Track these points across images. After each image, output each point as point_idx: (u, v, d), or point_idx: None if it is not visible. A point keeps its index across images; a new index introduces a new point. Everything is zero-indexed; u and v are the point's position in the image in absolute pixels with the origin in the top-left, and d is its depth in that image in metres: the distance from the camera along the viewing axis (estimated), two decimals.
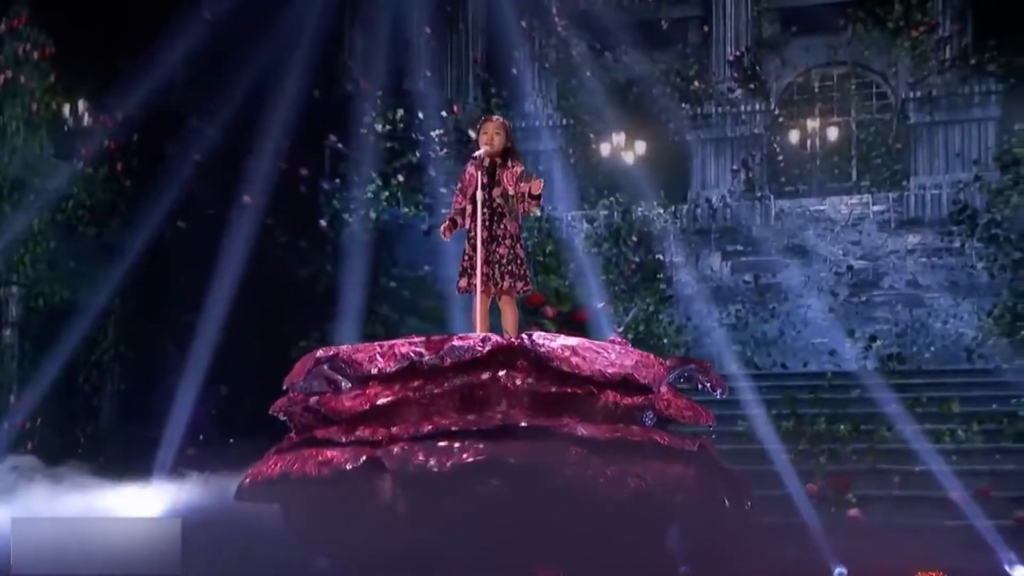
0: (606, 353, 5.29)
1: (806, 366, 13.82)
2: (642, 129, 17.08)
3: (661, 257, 14.75)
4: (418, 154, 14.57)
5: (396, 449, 5.02)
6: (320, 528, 5.27)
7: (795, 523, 8.29)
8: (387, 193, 13.33)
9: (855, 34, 17.69)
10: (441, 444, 4.95)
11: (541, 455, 4.92)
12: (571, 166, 17.92)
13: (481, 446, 4.92)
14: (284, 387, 5.80)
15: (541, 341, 5.22)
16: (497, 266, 5.70)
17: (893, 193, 16.48)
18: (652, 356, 5.50)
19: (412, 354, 5.22)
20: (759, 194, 16.74)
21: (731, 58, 18.09)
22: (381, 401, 5.26)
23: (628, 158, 16.90)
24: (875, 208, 16.27)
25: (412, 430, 5.06)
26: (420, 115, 15.10)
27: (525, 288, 5.82)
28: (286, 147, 12.48)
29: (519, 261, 5.77)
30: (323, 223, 12.21)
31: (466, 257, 5.81)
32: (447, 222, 6.04)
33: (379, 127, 14.24)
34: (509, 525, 4.93)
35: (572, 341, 5.34)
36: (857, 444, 10.85)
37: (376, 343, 5.49)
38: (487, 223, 5.68)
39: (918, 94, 16.84)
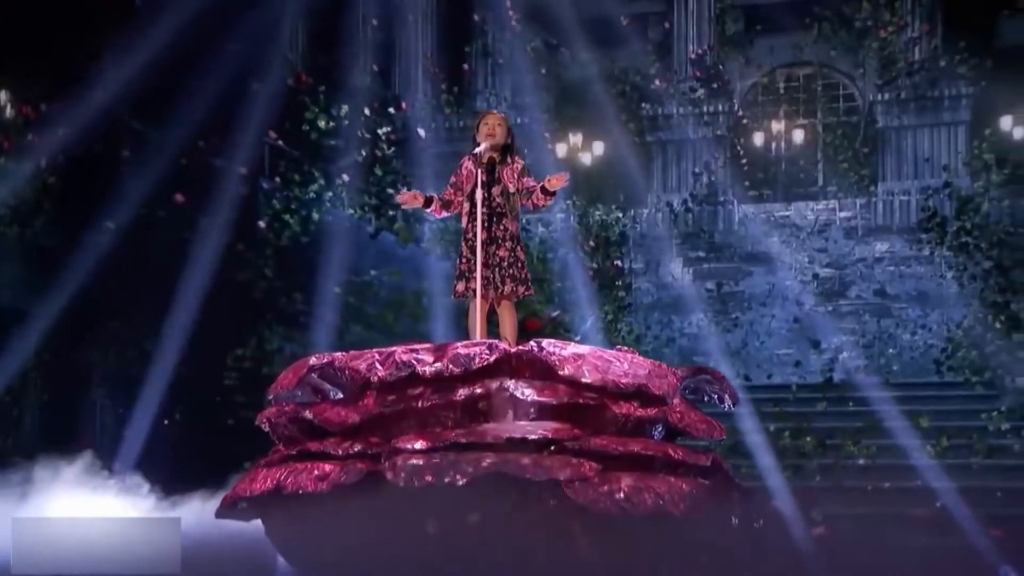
0: (618, 362, 5.23)
1: (770, 378, 13.98)
2: (600, 129, 17.19)
3: (620, 263, 14.84)
4: (364, 153, 14.51)
5: (399, 462, 4.89)
6: (313, 545, 5.19)
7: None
8: (331, 193, 13.25)
9: (821, 33, 17.97)
10: (447, 457, 4.87)
11: (554, 469, 4.85)
12: (525, 167, 17.96)
13: (489, 459, 4.85)
14: (269, 396, 5.70)
15: (551, 349, 5.13)
16: (497, 269, 5.62)
17: (860, 199, 16.74)
18: (664, 366, 5.44)
19: (414, 362, 5.11)
20: (722, 199, 16.92)
21: (693, 56, 18.29)
22: (380, 411, 5.18)
23: (585, 159, 17.01)
24: (842, 214, 16.52)
25: (415, 442, 4.98)
26: (366, 111, 15.03)
27: (527, 293, 5.74)
28: (222, 144, 12.37)
29: (520, 264, 5.69)
30: (262, 224, 12.11)
31: (463, 260, 5.71)
32: (423, 196, 5.89)
33: (322, 124, 14.15)
34: (520, 542, 4.86)
35: (583, 349, 5.26)
36: (823, 460, 10.99)
37: (374, 350, 5.37)
38: (485, 224, 5.60)
39: (886, 96, 17.14)
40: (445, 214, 5.86)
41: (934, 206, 15.18)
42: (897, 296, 15.09)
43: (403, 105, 16.19)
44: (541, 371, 5.11)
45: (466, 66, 18.72)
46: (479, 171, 5.64)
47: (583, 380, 5.06)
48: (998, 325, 13.10)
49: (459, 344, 5.22)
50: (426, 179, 15.54)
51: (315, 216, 12.41)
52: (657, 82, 18.25)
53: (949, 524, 9.52)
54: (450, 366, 5.06)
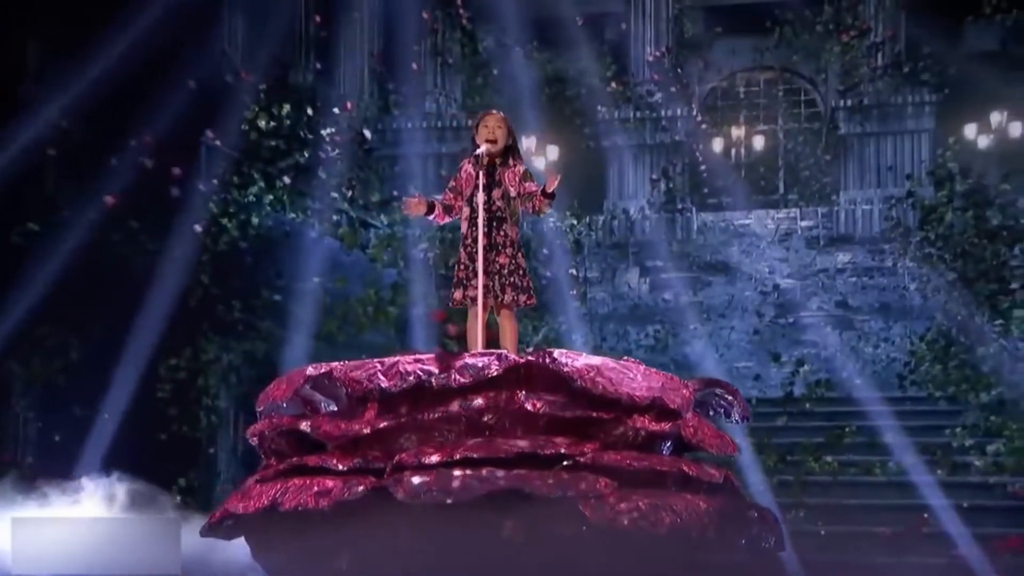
0: (631, 374, 5.19)
1: None
2: (554, 133, 17.27)
3: (574, 272, 14.90)
4: (307, 154, 14.44)
5: (405, 478, 4.85)
6: (310, 565, 5.11)
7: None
8: (271, 197, 13.16)
9: (783, 37, 18.23)
10: (455, 473, 4.83)
11: (568, 486, 4.82)
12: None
13: (500, 475, 4.82)
14: (259, 408, 5.63)
15: (564, 360, 5.07)
16: (497, 277, 5.60)
17: (822, 208, 16.99)
18: (677, 378, 5.45)
19: (420, 372, 5.04)
20: (680, 206, 17.08)
21: (651, 59, 18.47)
22: (383, 424, 5.11)
23: (539, 164, 17.06)
24: (803, 223, 16.76)
25: (421, 457, 4.94)
26: (309, 111, 14.98)
27: (528, 302, 5.71)
28: (156, 143, 12.26)
29: (521, 271, 5.67)
30: (198, 228, 11.97)
31: (462, 266, 5.69)
32: (426, 201, 5.86)
33: (263, 123, 14.07)
34: (533, 563, 4.84)
35: (595, 360, 5.21)
36: (783, 476, 11.10)
37: (375, 360, 5.30)
38: (485, 229, 5.59)
39: (849, 103, 17.42)
40: (447, 219, 5.84)
41: (897, 216, 15.44)
42: (859, 308, 15.31)
43: (348, 105, 16.15)
44: (553, 382, 5.07)
45: (415, 66, 18.72)
46: (479, 173, 5.61)
47: (597, 392, 5.04)
48: (962, 339, 13.32)
49: (467, 354, 5.17)
50: (372, 183, 15.55)
51: (254, 220, 12.31)
52: (613, 85, 18.40)
53: (912, 543, 9.65)
54: (458, 377, 5.03)
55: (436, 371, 5.05)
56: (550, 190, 5.61)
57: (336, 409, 5.40)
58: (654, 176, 17.54)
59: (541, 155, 17.02)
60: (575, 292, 14.64)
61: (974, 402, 12.42)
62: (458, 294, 5.72)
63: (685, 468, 5.15)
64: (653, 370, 5.38)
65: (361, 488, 4.91)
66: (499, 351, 5.17)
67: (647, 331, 14.93)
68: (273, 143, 14.12)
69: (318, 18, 18.01)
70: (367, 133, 15.81)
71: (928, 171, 15.68)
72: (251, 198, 12.67)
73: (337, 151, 14.89)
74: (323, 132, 14.82)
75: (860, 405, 12.91)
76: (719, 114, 18.75)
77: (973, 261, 13.76)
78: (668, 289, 15.93)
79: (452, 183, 5.84)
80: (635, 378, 5.17)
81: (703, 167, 17.81)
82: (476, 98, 18.50)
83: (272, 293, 11.78)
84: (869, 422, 12.25)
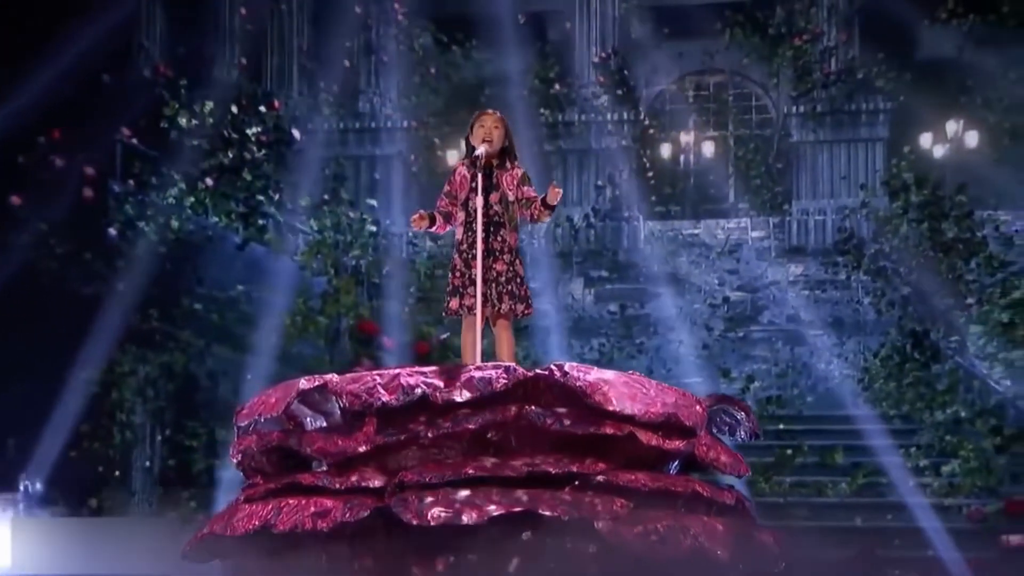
0: (644, 389, 5.14)
1: None
2: None
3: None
4: (231, 155, 14.35)
5: (411, 498, 4.79)
6: None
7: None
8: (193, 199, 13.06)
9: (733, 39, 18.48)
10: (462, 493, 4.79)
11: (584, 507, 4.79)
12: (413, 175, 18.00)
13: (512, 496, 4.78)
14: (242, 423, 5.54)
15: (576, 373, 5.02)
16: (494, 285, 5.58)
17: (774, 218, 17.23)
18: (690, 393, 5.41)
19: (423, 386, 4.97)
20: (627, 214, 17.20)
21: (596, 60, 18.60)
22: (385, 441, 5.01)
23: None
24: (754, 234, 16.96)
25: (425, 476, 4.88)
26: (234, 109, 14.89)
27: (526, 311, 5.71)
28: (66, 140, 12.11)
29: (519, 280, 5.66)
30: (112, 232, 11.84)
31: (457, 274, 5.66)
32: (427, 214, 5.86)
33: (183, 121, 13.96)
34: None
35: (607, 374, 5.16)
36: None
37: (374, 372, 5.21)
38: (483, 234, 5.58)
39: (801, 109, 17.69)
40: (448, 228, 5.84)
41: (851, 227, 15.68)
42: (812, 322, 15.51)
43: (276, 103, 16.07)
44: (564, 397, 5.03)
45: (347, 63, 18.67)
46: (478, 176, 5.60)
47: (611, 408, 5.00)
48: (917, 355, 13.55)
49: (472, 367, 5.12)
50: (300, 186, 15.45)
51: (174, 224, 12.20)
52: (557, 86, 18.50)
53: (866, 566, 9.78)
54: (464, 391, 4.98)
55: (440, 385, 5.00)
56: (552, 203, 5.65)
57: (326, 424, 5.33)
58: (599, 183, 17.65)
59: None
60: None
61: (929, 421, 12.64)
62: (454, 303, 5.70)
63: (699, 489, 5.16)
64: (665, 385, 5.37)
65: (364, 508, 4.86)
66: (506, 364, 5.12)
67: (591, 344, 15.00)
68: (195, 142, 14.02)
69: (243, 10, 17.91)
70: (296, 133, 15.74)
71: (883, 181, 15.94)
72: (171, 200, 12.57)
73: (264, 152, 14.82)
74: (248, 131, 14.75)
75: (812, 423, 13.07)
76: (667, 119, 18.94)
77: (928, 275, 13.99)
78: (614, 301, 16.02)
79: (447, 188, 5.84)
80: (648, 393, 5.14)
81: (650, 174, 17.97)
82: (412, 98, 18.50)
83: (192, 301, 11.68)
84: (821, 441, 12.40)
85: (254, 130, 14.75)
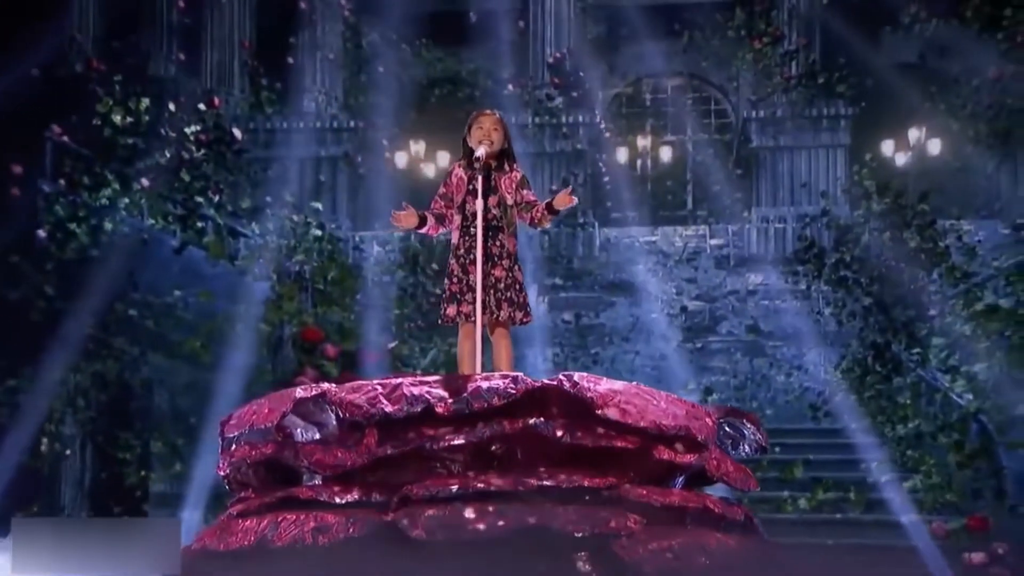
0: (655, 400, 5.15)
1: None
2: (445, 138, 17.25)
3: None
4: (168, 154, 14.22)
5: (416, 513, 4.79)
6: None
7: None
8: (127, 200, 12.91)
9: (692, 41, 18.64)
10: (471, 508, 4.79)
11: (597, 523, 4.79)
12: (360, 177, 17.96)
13: (521, 510, 4.77)
14: (227, 435, 5.46)
15: (586, 384, 5.01)
16: (493, 291, 5.60)
17: (733, 225, 17.35)
18: (699, 406, 5.45)
19: (427, 396, 4.94)
20: (582, 220, 17.26)
21: (550, 60, 18.69)
22: (388, 453, 4.97)
23: (428, 171, 17.11)
24: (713, 241, 17.09)
25: (431, 490, 4.87)
26: (171, 106, 14.78)
27: (525, 319, 5.72)
28: None
29: (518, 286, 5.69)
30: (42, 234, 11.69)
31: (454, 280, 5.67)
32: (418, 214, 5.81)
33: (118, 119, 13.80)
34: None
35: (617, 385, 5.16)
36: None
37: (375, 381, 5.16)
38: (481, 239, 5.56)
39: (761, 114, 17.88)
40: (441, 230, 5.80)
41: (811, 236, 15.81)
42: (771, 333, 15.64)
43: (215, 101, 15.95)
44: (573, 409, 5.03)
45: (291, 60, 18.61)
46: (478, 178, 5.58)
47: (624, 421, 5.00)
48: (879, 368, 13.68)
49: (478, 377, 5.10)
50: (242, 187, 15.36)
51: (107, 226, 12.07)
52: (510, 87, 18.55)
53: None
54: (471, 402, 4.96)
55: (445, 395, 4.98)
56: (560, 207, 5.66)
57: (319, 436, 5.29)
58: (554, 187, 17.67)
59: (431, 162, 17.06)
60: None
61: (890, 435, 12.77)
62: (451, 310, 5.70)
63: (711, 505, 5.18)
64: (675, 396, 5.39)
65: (368, 524, 4.84)
66: (513, 374, 5.11)
67: (545, 355, 15.02)
68: (130, 141, 13.86)
69: (181, 3, 17.80)
70: (237, 132, 15.60)
71: (844, 189, 16.12)
72: (104, 201, 12.42)
73: (203, 151, 14.69)
74: (187, 130, 14.61)
75: (771, 437, 13.14)
76: (624, 122, 19.06)
77: (890, 285, 14.12)
78: (568, 310, 16.07)
79: (442, 189, 5.83)
80: (659, 405, 5.15)
81: (606, 179, 18.06)
82: (359, 97, 18.47)
83: (127, 307, 11.55)
84: (780, 456, 12.50)
85: (193, 129, 14.61)
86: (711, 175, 18.47)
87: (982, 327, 12.85)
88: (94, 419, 11.17)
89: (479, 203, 5.58)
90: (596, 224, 17.35)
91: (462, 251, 5.68)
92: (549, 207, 5.67)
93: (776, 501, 11.86)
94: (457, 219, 5.70)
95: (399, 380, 5.11)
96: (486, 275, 5.59)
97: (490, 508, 4.79)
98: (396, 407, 4.97)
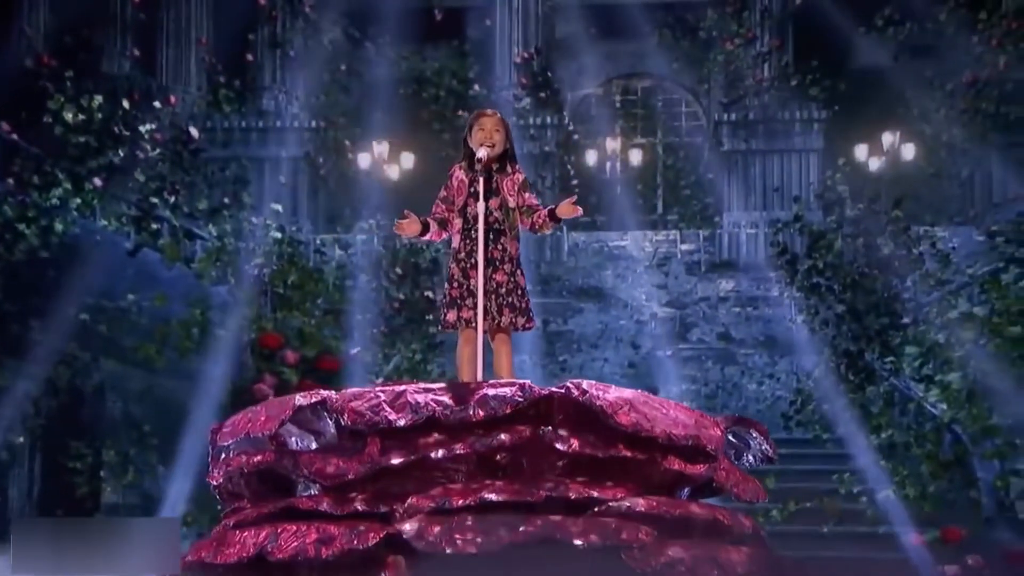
0: (664, 409, 5.18)
1: None
2: (410, 139, 17.31)
3: (431, 295, 14.90)
4: (122, 153, 14.15)
5: (420, 525, 4.77)
6: None
7: None
8: (79, 200, 12.81)
9: (662, 42, 18.73)
10: (478, 519, 4.77)
11: (608, 535, 4.78)
12: (321, 178, 17.92)
13: (529, 522, 4.76)
14: (220, 443, 5.40)
15: (595, 392, 5.01)
16: (494, 296, 5.62)
17: (704, 230, 17.46)
18: (706, 415, 5.45)
19: (433, 404, 4.93)
20: None
21: (518, 60, 18.71)
22: (392, 462, 4.94)
23: (392, 172, 17.08)
24: (683, 247, 17.16)
25: (437, 500, 4.85)
26: (125, 104, 14.71)
27: (527, 325, 5.74)
28: None
29: (520, 291, 5.71)
30: None
31: (455, 284, 5.68)
32: (421, 220, 5.80)
33: (69, 116, 13.73)
34: None
35: (627, 393, 5.17)
36: None
37: (376, 388, 5.10)
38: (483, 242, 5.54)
39: (733, 117, 17.97)
40: (444, 235, 5.80)
41: (784, 242, 15.88)
42: (743, 341, 15.72)
43: (172, 99, 15.93)
44: (582, 418, 5.03)
45: (250, 57, 18.55)
46: (480, 180, 5.59)
47: (634, 430, 5.01)
48: (851, 377, 13.77)
49: (484, 384, 5.10)
50: (199, 188, 15.29)
51: (58, 227, 11.95)
52: (476, 87, 18.57)
53: None
54: (477, 410, 4.96)
55: (451, 403, 4.98)
56: (564, 216, 5.70)
57: (315, 445, 5.25)
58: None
59: (395, 163, 17.04)
60: (431, 317, 14.66)
61: (863, 445, 12.84)
62: (451, 315, 5.69)
63: (719, 516, 5.17)
64: (683, 405, 5.43)
65: (372, 535, 4.80)
66: (520, 381, 5.11)
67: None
68: (82, 139, 13.81)
69: None
70: (193, 131, 15.57)
71: (816, 194, 16.22)
72: (55, 201, 12.32)
73: (158, 151, 14.64)
74: (141, 128, 14.56)
75: None
76: (593, 124, 19.10)
77: (863, 293, 14.22)
78: (535, 316, 16.07)
79: (443, 193, 5.82)
80: (668, 414, 5.16)
81: (575, 182, 18.09)
82: (320, 96, 18.44)
83: (78, 311, 11.44)
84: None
85: (148, 127, 14.55)
86: (682, 179, 18.57)
87: (956, 335, 12.97)
88: (44, 427, 11.07)
89: (481, 205, 5.60)
90: (564, 228, 17.38)
91: (463, 255, 5.68)
92: (552, 214, 5.70)
93: (747, 512, 11.89)
94: (458, 222, 5.70)
95: (402, 388, 5.10)
96: (487, 279, 5.60)
97: (498, 519, 4.78)
98: (400, 415, 4.96)
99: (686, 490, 5.42)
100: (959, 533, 11.00)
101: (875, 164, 16.87)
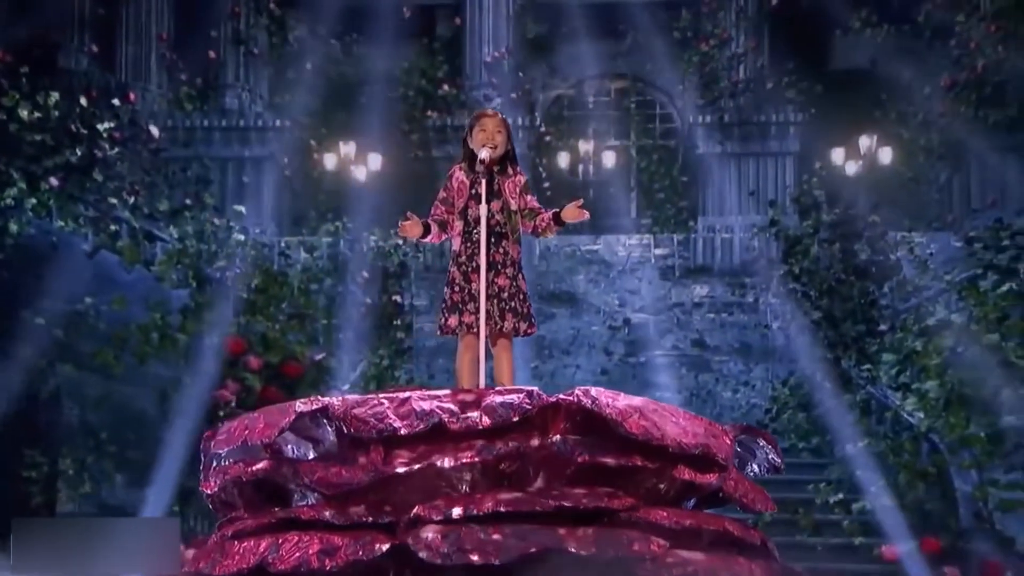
0: (674, 417, 5.17)
1: None
2: (378, 139, 17.27)
3: (399, 299, 14.90)
4: (79, 152, 14.07)
5: (427, 535, 4.73)
6: None
7: None
8: (35, 200, 12.72)
9: (636, 42, 18.77)
10: (487, 529, 4.74)
11: (619, 546, 4.77)
12: (286, 179, 17.86)
13: (538, 532, 4.74)
14: (215, 451, 5.34)
15: (605, 399, 4.99)
16: (495, 301, 5.62)
17: (678, 235, 17.49)
18: (715, 423, 5.44)
19: (438, 411, 4.92)
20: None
21: (488, 60, 18.72)
22: (394, 471, 4.92)
23: (359, 174, 17.04)
24: (657, 251, 17.20)
25: (442, 510, 4.81)
26: (83, 102, 14.64)
27: (529, 330, 5.75)
28: None
29: (522, 296, 5.71)
30: None
31: (456, 288, 5.67)
32: (421, 222, 5.79)
33: (25, 114, 13.64)
34: None
35: (636, 400, 5.15)
36: None
37: (380, 395, 5.09)
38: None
39: (708, 119, 18.04)
40: (443, 238, 5.79)
41: (759, 246, 15.99)
42: (718, 347, 15.77)
43: (131, 96, 15.84)
44: (591, 426, 5.02)
45: (212, 54, 18.48)
46: (481, 181, 5.60)
47: (644, 438, 4.99)
48: (827, 384, 13.83)
49: (491, 391, 5.10)
50: (159, 188, 15.21)
51: (13, 228, 11.89)
52: (446, 87, 18.55)
53: None
54: (484, 418, 4.95)
55: (457, 410, 4.96)
56: (569, 220, 5.70)
57: (313, 453, 5.22)
58: None
59: (362, 164, 17.00)
60: (399, 322, 14.63)
61: (840, 454, 12.90)
62: (452, 320, 5.67)
63: (729, 527, 5.16)
64: (691, 413, 5.41)
65: (378, 545, 4.77)
66: (528, 388, 5.10)
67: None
68: (38, 137, 13.73)
69: None
70: (154, 130, 15.52)
71: (793, 198, 16.29)
72: (9, 201, 12.25)
73: (117, 150, 14.59)
74: (100, 127, 14.49)
75: None
76: (565, 126, 19.13)
77: (840, 299, 14.31)
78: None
79: (443, 194, 5.81)
80: (678, 422, 5.15)
81: (547, 184, 18.12)
82: (285, 95, 18.39)
83: (34, 315, 11.35)
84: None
85: (106, 125, 14.49)
86: (656, 182, 18.61)
87: (934, 343, 13.06)
88: None
89: (483, 208, 5.61)
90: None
91: (464, 258, 5.68)
92: (556, 218, 5.71)
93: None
94: (459, 225, 5.70)
95: (406, 394, 5.09)
96: (489, 283, 5.61)
97: (506, 529, 4.77)
98: (405, 423, 4.94)
99: (692, 500, 5.44)
100: (936, 544, 11.07)
101: (852, 168, 16.96)
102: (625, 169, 18.83)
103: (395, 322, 14.23)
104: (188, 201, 14.85)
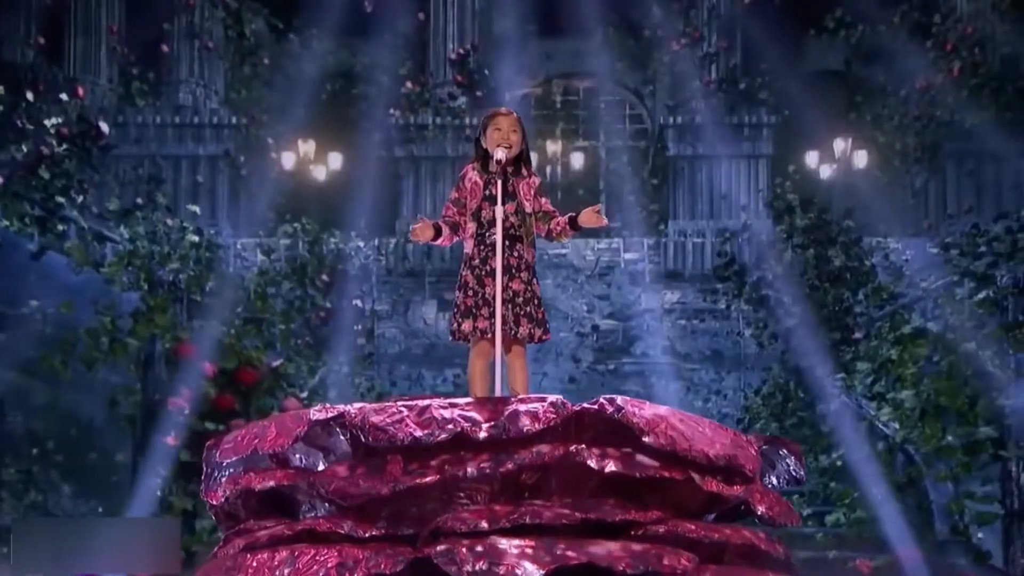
0: (701, 428, 5.15)
1: None
2: (338, 138, 17.24)
3: (360, 304, 14.87)
4: (25, 149, 13.97)
5: (453, 549, 4.69)
6: None
7: None
8: None
9: (606, 40, 18.82)
10: (511, 543, 4.71)
11: (649, 560, 4.73)
12: (242, 179, 17.79)
13: (564, 546, 4.71)
14: (218, 460, 5.27)
15: (630, 408, 4.96)
16: (511, 306, 5.59)
17: (648, 239, 17.54)
18: (741, 434, 5.42)
19: (461, 420, 4.87)
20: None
21: (453, 57, 18.73)
22: (413, 482, 4.88)
23: (319, 174, 17.01)
24: (627, 256, 17.24)
25: (466, 523, 4.79)
26: (29, 96, 14.56)
27: (543, 336, 5.70)
28: None
29: (537, 301, 5.68)
30: None
31: (470, 292, 5.64)
32: (435, 223, 5.75)
33: None
34: None
35: (661, 410, 5.14)
36: None
37: (398, 402, 5.05)
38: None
39: (679, 120, 18.11)
40: (455, 240, 5.77)
41: (731, 251, 16.05)
42: (688, 355, 15.82)
43: (80, 91, 15.74)
44: (615, 435, 4.99)
45: (165, 47, 18.39)
46: (497, 183, 5.55)
47: (671, 449, 4.98)
48: (801, 394, 13.90)
49: (514, 399, 5.08)
50: (110, 187, 15.11)
51: None
52: (409, 84, 18.54)
53: None
54: (508, 427, 4.91)
55: (480, 419, 4.92)
56: (586, 225, 5.68)
57: (324, 463, 5.14)
58: (457, 195, 17.74)
59: (321, 164, 16.96)
60: (360, 327, 14.59)
61: (813, 466, 12.96)
62: (467, 325, 5.61)
63: (756, 541, 5.13)
64: (716, 423, 5.38)
65: (400, 560, 4.73)
66: (552, 397, 5.07)
67: (445, 376, 15.03)
68: None
69: None
70: (103, 126, 15.38)
71: (766, 202, 16.39)
72: None
73: (64, 146, 14.46)
74: (46, 122, 14.38)
75: None
76: (532, 125, 19.11)
77: (814, 306, 14.38)
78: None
79: (455, 195, 5.77)
80: (705, 432, 5.13)
81: None
82: (242, 91, 18.33)
83: None
84: None
85: (53, 121, 14.38)
86: (625, 184, 18.63)
87: (909, 351, 13.15)
88: None
89: (499, 209, 5.57)
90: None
91: (477, 261, 5.64)
92: (572, 222, 5.69)
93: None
94: (472, 227, 5.64)
95: (426, 402, 5.06)
96: (504, 288, 5.59)
97: (531, 542, 4.74)
98: (426, 431, 4.90)
99: (713, 513, 5.46)
100: (912, 557, 11.14)
101: (826, 172, 17.07)
102: (594, 170, 18.89)
103: (355, 327, 14.20)
104: (139, 200, 14.78)
